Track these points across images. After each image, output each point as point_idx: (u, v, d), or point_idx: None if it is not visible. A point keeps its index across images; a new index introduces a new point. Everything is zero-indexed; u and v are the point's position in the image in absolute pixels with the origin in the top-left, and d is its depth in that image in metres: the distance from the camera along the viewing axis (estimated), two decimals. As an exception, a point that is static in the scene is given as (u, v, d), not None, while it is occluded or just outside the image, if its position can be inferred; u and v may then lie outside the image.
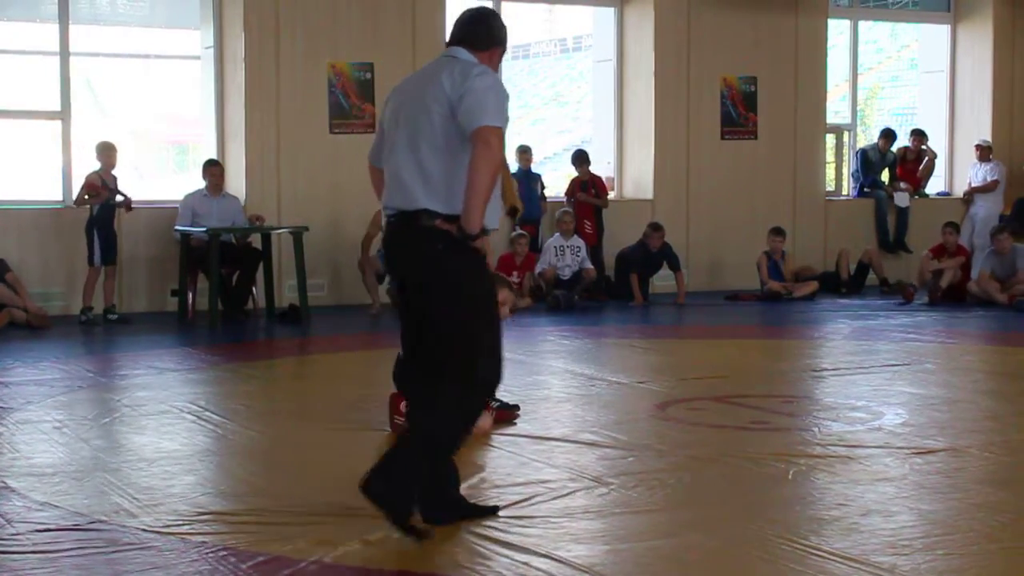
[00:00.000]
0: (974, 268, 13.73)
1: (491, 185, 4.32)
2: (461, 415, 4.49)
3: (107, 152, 11.36)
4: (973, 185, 15.68)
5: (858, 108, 16.87)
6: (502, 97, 4.42)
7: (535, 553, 4.36)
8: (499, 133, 4.34)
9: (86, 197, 11.20)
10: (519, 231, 12.94)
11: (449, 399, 4.43)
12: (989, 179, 15.54)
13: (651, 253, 13.19)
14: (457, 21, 4.73)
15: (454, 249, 4.39)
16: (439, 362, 4.45)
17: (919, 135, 15.79)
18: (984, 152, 15.54)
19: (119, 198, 11.31)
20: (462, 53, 4.59)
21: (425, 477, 4.47)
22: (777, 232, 13.64)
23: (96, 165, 11.37)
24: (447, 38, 4.73)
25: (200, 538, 4.50)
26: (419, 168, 4.43)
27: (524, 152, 13.74)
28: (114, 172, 11.39)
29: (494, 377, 4.62)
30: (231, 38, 12.59)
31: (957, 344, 10.23)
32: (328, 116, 12.69)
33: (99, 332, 10.80)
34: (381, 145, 4.74)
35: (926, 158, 15.81)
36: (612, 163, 14.52)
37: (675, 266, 13.18)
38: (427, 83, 4.52)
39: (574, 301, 12.59)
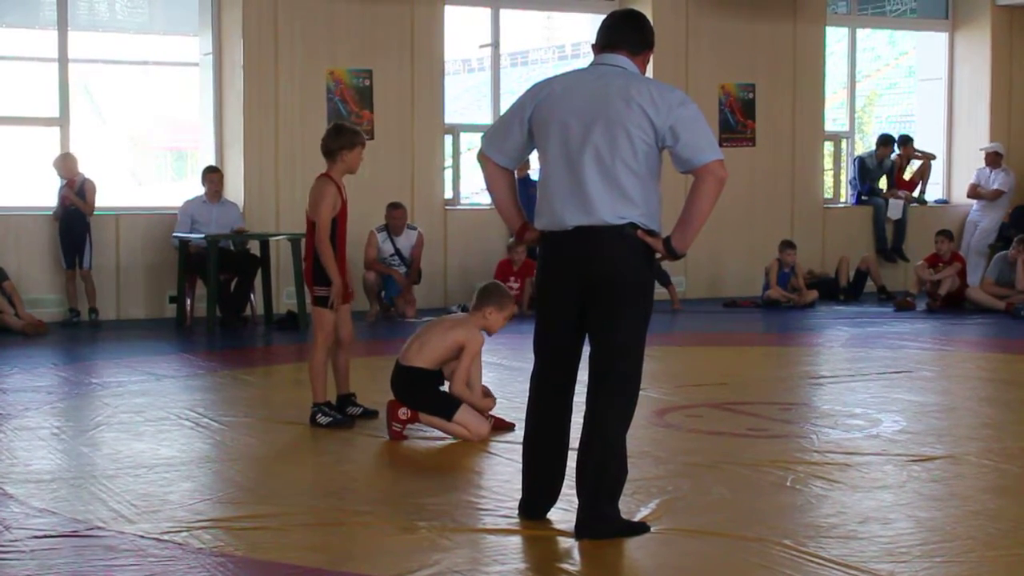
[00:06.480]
0: (972, 274, 13.71)
1: (710, 212, 4.53)
2: (633, 402, 4.73)
3: (64, 163, 11.59)
4: (981, 188, 15.28)
5: (856, 115, 16.87)
6: (706, 123, 4.55)
7: (532, 560, 4.36)
8: (724, 164, 4.49)
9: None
10: (516, 238, 12.88)
11: (624, 394, 4.67)
12: (995, 186, 15.28)
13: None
14: (609, 23, 4.69)
15: (648, 261, 4.59)
16: (615, 358, 4.64)
17: (906, 142, 15.64)
18: (994, 158, 15.19)
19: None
20: (627, 63, 4.60)
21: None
22: (789, 245, 13.57)
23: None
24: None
25: (198, 545, 4.50)
26: (617, 187, 4.50)
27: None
28: (80, 179, 11.54)
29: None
30: (230, 45, 12.60)
31: (955, 351, 10.23)
32: (327, 123, 12.66)
33: (96, 338, 10.79)
34: (515, 146, 4.76)
35: (921, 161, 15.73)
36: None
37: (664, 281, 12.93)
38: (610, 99, 4.48)
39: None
